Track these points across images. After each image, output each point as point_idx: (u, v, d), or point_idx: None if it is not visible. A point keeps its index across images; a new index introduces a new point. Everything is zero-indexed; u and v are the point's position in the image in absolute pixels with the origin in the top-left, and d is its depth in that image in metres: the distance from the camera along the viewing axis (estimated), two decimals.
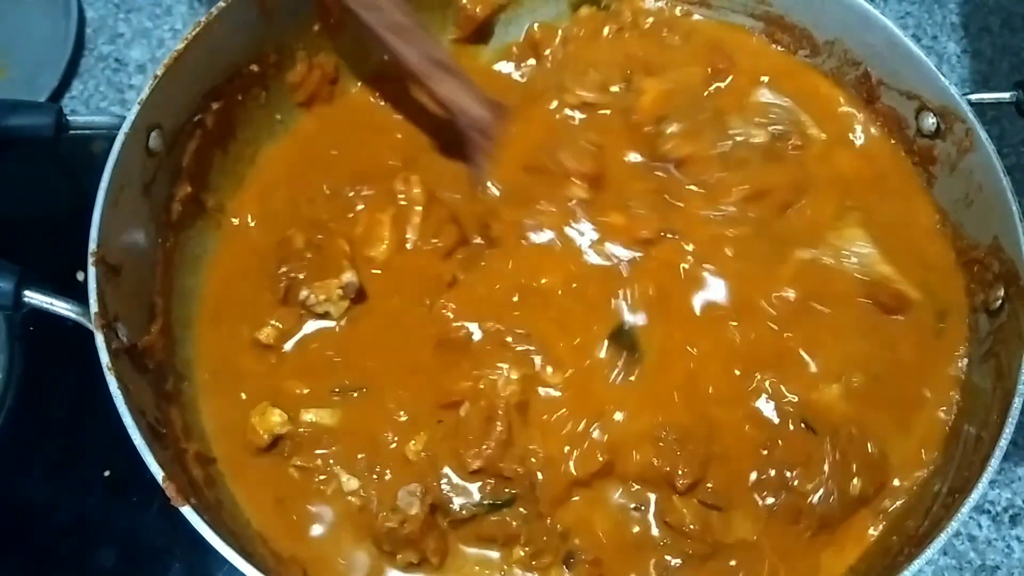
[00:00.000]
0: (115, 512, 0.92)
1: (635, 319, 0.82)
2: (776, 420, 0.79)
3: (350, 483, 0.78)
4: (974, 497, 0.70)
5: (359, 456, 0.79)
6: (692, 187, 0.87)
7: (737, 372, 0.81)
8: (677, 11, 1.02)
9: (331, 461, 0.79)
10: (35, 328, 0.96)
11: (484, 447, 0.76)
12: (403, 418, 0.80)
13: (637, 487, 0.78)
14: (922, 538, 0.71)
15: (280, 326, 0.84)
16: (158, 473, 0.68)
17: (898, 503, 0.79)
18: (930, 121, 0.90)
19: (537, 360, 0.81)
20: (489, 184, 0.89)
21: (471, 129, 0.91)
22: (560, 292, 0.84)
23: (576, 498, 0.78)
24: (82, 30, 1.17)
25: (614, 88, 0.93)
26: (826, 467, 0.77)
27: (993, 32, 1.23)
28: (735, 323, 0.83)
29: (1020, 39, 1.22)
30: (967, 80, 1.18)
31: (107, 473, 0.92)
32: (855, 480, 0.77)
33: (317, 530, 0.78)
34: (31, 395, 0.94)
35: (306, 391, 0.83)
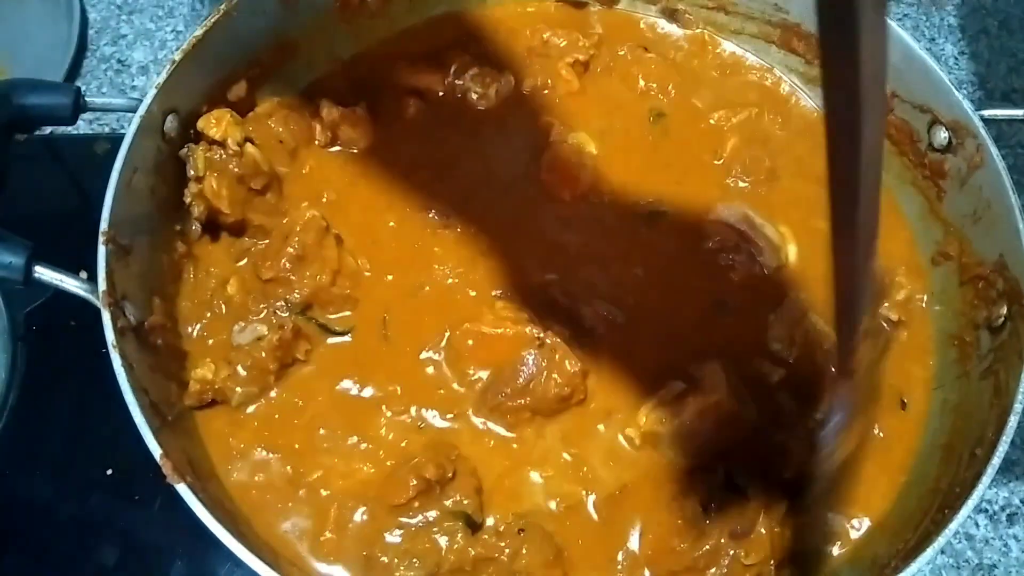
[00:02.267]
0: (117, 510, 0.92)
1: None
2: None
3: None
4: (963, 514, 0.69)
5: None
6: None
7: None
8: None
9: None
10: (38, 328, 0.97)
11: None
12: None
13: None
14: (910, 552, 0.71)
15: None
16: (156, 451, 0.69)
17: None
18: (942, 135, 0.89)
19: None
20: None
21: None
22: None
23: None
24: (84, 31, 1.18)
25: None
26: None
27: (991, 34, 1.23)
28: None
29: (1018, 41, 1.22)
30: (964, 82, 1.18)
31: (109, 472, 0.92)
32: None
33: None
34: (34, 395, 0.95)
35: None
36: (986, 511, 0.96)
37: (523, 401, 0.81)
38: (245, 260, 0.88)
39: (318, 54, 0.99)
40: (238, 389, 0.81)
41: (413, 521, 0.77)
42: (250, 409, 0.82)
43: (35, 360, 0.96)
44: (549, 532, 0.77)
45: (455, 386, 0.84)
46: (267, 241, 0.87)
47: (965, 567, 0.94)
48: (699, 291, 0.89)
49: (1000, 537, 0.95)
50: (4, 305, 0.95)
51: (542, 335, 0.82)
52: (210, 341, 0.85)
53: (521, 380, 0.81)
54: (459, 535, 0.75)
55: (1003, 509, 0.96)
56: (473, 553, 0.75)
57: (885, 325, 0.89)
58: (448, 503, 0.77)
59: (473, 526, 0.77)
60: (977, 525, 0.96)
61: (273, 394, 0.83)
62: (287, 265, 0.84)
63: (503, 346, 0.83)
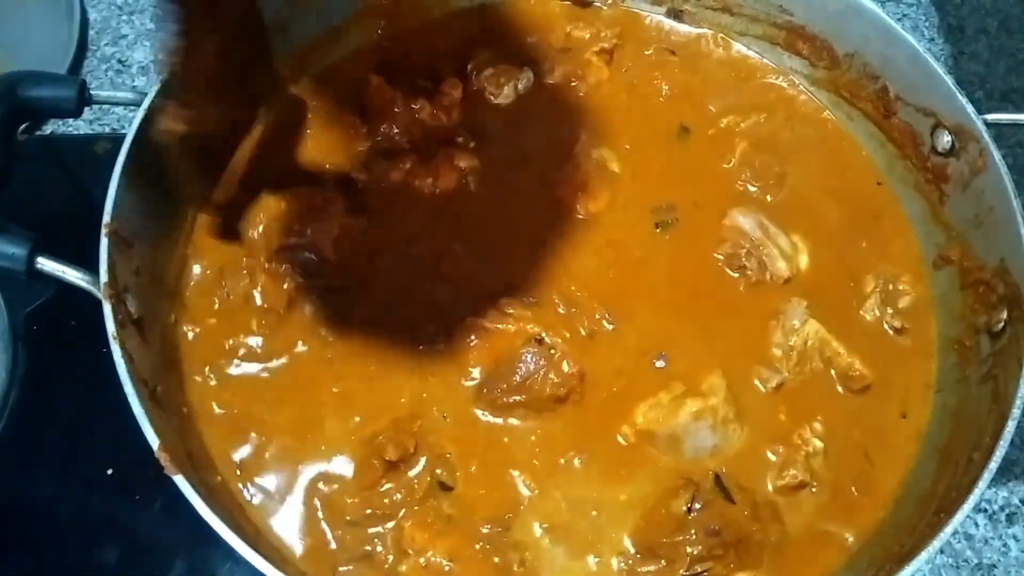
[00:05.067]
0: (118, 510, 0.92)
1: None
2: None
3: None
4: (959, 518, 0.69)
5: None
6: None
7: None
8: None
9: None
10: (39, 328, 0.97)
11: None
12: None
13: None
14: (905, 556, 0.71)
15: None
16: (154, 442, 0.69)
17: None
18: (945, 139, 0.89)
19: None
20: None
21: None
22: None
23: None
24: (85, 32, 1.17)
25: None
26: None
27: (990, 34, 1.23)
28: None
29: (1017, 41, 1.22)
30: (963, 82, 1.17)
31: (110, 471, 0.92)
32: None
33: None
34: (35, 394, 0.94)
35: None
36: (985, 511, 0.96)
37: (518, 398, 0.81)
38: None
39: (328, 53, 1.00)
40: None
41: (386, 501, 0.78)
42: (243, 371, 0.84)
43: (35, 360, 0.96)
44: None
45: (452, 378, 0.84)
46: None
47: (964, 567, 0.94)
48: (706, 297, 0.89)
49: (999, 537, 0.95)
50: (5, 305, 0.95)
51: (542, 334, 0.83)
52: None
53: (518, 377, 0.82)
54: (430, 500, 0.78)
55: (1002, 509, 0.96)
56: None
57: (891, 332, 0.89)
58: (412, 474, 0.79)
59: (445, 488, 0.79)
60: (976, 525, 0.95)
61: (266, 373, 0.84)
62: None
63: (503, 342, 0.83)
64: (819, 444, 0.81)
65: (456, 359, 0.84)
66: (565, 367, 0.82)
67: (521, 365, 0.82)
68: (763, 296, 0.89)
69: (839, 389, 0.86)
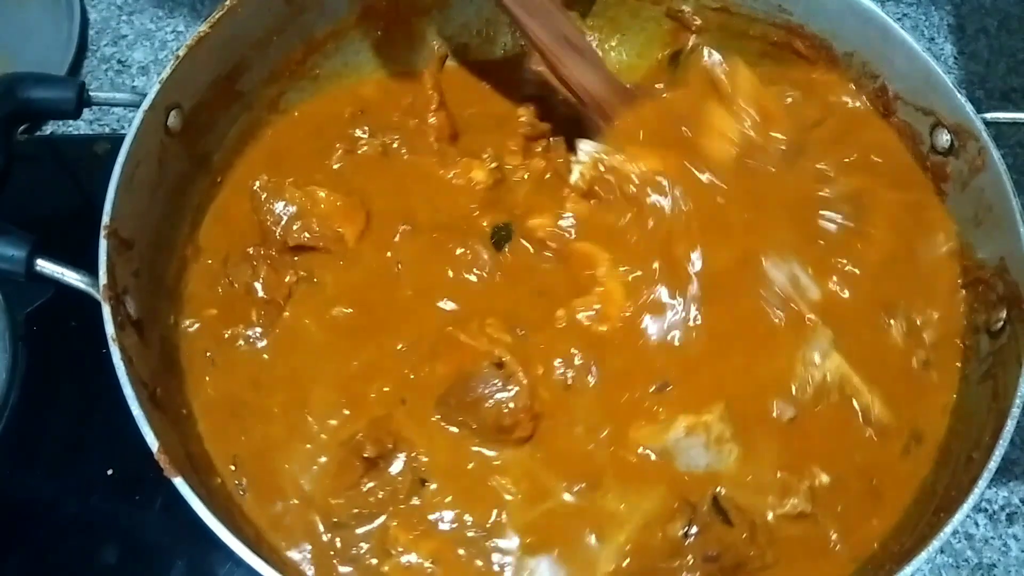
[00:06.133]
0: (118, 510, 0.92)
1: None
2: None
3: None
4: (959, 517, 0.69)
5: None
6: None
7: None
8: None
9: None
10: (39, 328, 0.97)
11: None
12: None
13: None
14: (905, 555, 0.71)
15: None
16: (153, 444, 0.69)
17: None
18: (944, 138, 0.89)
19: None
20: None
21: (594, 111, 0.91)
22: None
23: None
24: (85, 32, 1.18)
25: None
26: None
27: (990, 34, 1.24)
28: None
29: (1017, 41, 1.23)
30: (963, 82, 1.18)
31: (110, 472, 0.93)
32: None
33: None
34: (35, 395, 0.95)
35: None
36: (985, 511, 0.96)
37: (463, 418, 0.79)
38: None
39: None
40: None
41: (371, 500, 0.78)
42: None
43: (36, 360, 0.96)
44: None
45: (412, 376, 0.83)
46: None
47: (964, 566, 0.94)
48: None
49: (1000, 536, 0.95)
50: (5, 305, 0.95)
51: (502, 358, 0.79)
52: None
53: (470, 397, 0.78)
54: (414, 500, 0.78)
55: (1003, 508, 0.96)
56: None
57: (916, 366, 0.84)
58: (394, 471, 0.78)
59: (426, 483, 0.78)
60: (977, 524, 0.96)
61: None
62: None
63: (469, 358, 0.81)
64: (826, 478, 0.78)
65: (432, 368, 0.83)
66: (519, 397, 0.78)
67: (474, 384, 0.78)
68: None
69: (854, 424, 0.81)
